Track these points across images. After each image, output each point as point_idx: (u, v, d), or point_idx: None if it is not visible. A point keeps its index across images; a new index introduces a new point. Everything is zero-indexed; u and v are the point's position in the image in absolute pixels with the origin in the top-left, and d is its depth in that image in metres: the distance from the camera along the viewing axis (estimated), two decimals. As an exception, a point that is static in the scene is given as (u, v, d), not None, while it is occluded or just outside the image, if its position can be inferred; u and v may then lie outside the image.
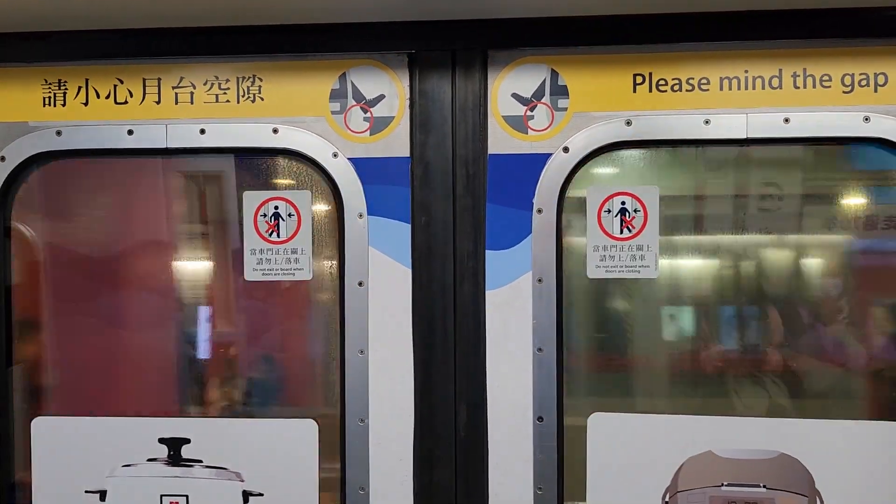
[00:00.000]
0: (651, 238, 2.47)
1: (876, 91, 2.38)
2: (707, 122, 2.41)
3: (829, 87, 2.39)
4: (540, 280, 2.45)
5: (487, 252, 2.47)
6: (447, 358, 2.49)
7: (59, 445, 2.61)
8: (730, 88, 2.41)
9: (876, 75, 2.37)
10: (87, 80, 2.54)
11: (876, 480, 2.41)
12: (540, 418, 2.46)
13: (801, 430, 2.46)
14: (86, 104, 2.55)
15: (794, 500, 2.43)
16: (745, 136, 2.40)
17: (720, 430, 2.47)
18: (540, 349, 2.45)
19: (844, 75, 2.38)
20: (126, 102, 2.54)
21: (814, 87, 2.39)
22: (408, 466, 2.50)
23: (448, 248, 2.47)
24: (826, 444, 2.43)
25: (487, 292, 2.47)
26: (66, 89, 2.55)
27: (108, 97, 2.54)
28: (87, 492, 2.60)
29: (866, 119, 2.37)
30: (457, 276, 2.48)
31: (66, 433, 2.61)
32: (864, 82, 2.38)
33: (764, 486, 2.45)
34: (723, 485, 2.46)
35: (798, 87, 2.39)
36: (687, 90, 2.42)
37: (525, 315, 2.46)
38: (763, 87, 2.40)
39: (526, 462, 2.47)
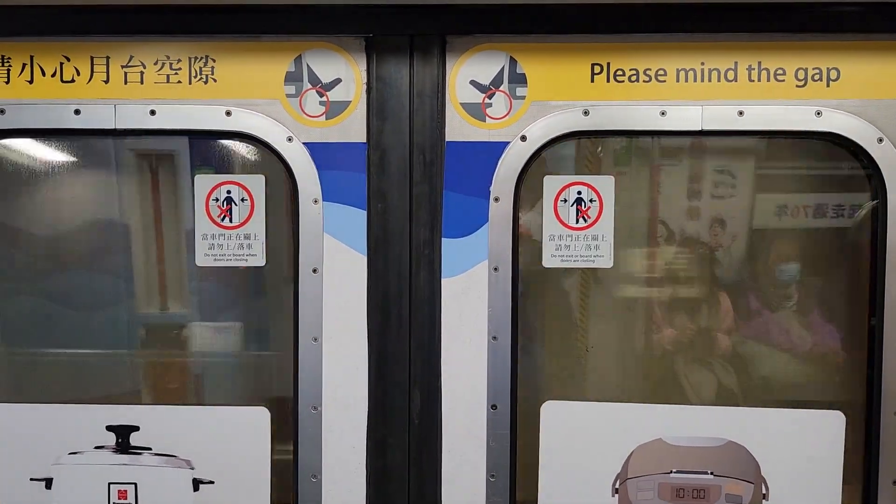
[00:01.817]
0: (606, 228, 2.48)
1: (828, 86, 2.41)
2: (663, 113, 2.42)
3: (783, 80, 2.41)
4: (496, 269, 2.45)
5: (444, 240, 2.45)
6: (402, 345, 2.48)
7: (2, 432, 2.54)
8: (686, 80, 2.42)
9: (828, 70, 2.40)
10: (31, 57, 2.45)
11: (818, 467, 2.48)
12: (494, 406, 2.47)
13: (748, 418, 2.51)
14: (31, 82, 2.46)
15: (740, 486, 2.49)
16: (699, 129, 2.42)
17: (670, 417, 2.51)
18: (495, 338, 2.46)
19: (798, 69, 2.41)
20: (73, 81, 2.45)
21: (768, 80, 2.41)
22: (361, 454, 2.49)
23: (404, 235, 2.46)
24: (771, 431, 2.49)
25: (443, 280, 2.46)
26: (9, 66, 2.46)
27: (53, 75, 2.45)
28: (32, 480, 2.54)
29: (818, 113, 2.40)
30: (412, 263, 2.46)
31: (10, 420, 2.55)
32: (816, 77, 2.41)
33: (711, 473, 2.49)
34: (671, 472, 2.50)
35: (753, 81, 2.42)
36: (644, 81, 2.43)
37: (480, 303, 2.46)
38: (719, 80, 2.42)
39: (479, 450, 2.48)
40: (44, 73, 2.46)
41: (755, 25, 2.39)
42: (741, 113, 2.40)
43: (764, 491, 2.48)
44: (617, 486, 2.50)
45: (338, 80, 2.44)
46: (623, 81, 2.43)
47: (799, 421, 2.51)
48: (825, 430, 2.48)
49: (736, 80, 2.41)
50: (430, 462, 2.49)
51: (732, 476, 2.49)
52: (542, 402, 2.51)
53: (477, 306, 2.46)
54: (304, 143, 2.44)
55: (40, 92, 2.46)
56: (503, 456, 2.48)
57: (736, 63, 2.41)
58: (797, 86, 2.41)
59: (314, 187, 2.44)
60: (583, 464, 2.50)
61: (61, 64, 2.45)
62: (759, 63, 2.41)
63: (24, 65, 2.45)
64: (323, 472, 2.49)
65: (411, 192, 2.45)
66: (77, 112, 2.45)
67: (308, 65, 2.44)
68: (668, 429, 2.50)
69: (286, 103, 2.44)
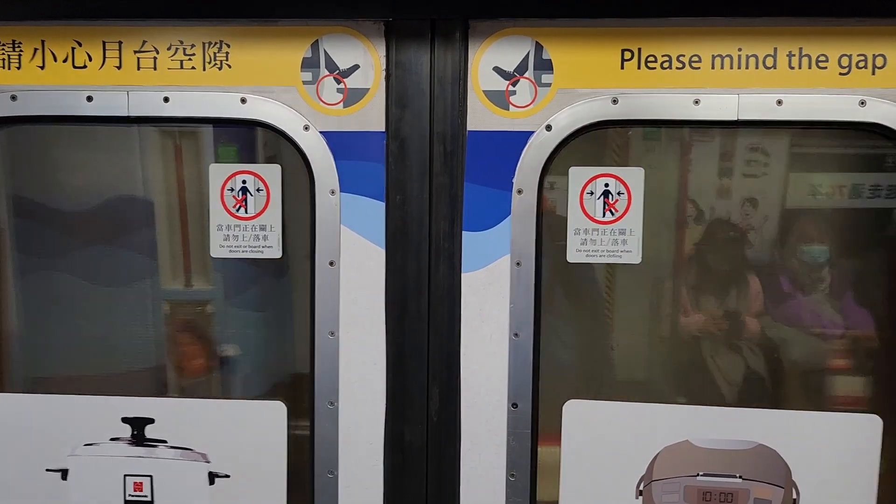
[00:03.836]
0: (634, 222, 2.38)
1: (874, 73, 2.27)
2: (697, 102, 2.30)
3: (826, 68, 2.28)
4: (518, 263, 2.36)
5: (464, 233, 2.37)
6: (420, 341, 2.41)
7: (18, 423, 2.53)
8: (721, 67, 2.29)
9: (874, 57, 2.26)
10: (43, 42, 2.39)
11: (852, 472, 2.38)
12: (514, 405, 2.40)
13: (779, 420, 2.41)
14: (42, 67, 2.40)
15: (770, 490, 2.40)
16: (735, 118, 2.30)
17: (698, 419, 2.42)
18: (516, 334, 2.38)
19: (841, 56, 2.27)
20: (85, 67, 2.39)
21: (809, 67, 2.28)
22: (378, 451, 2.44)
23: (423, 228, 2.38)
24: (804, 435, 2.39)
25: (463, 275, 2.38)
26: (21, 51, 2.40)
27: (65, 61, 2.39)
28: (48, 470, 2.53)
29: (862, 103, 2.26)
30: (432, 257, 2.38)
31: (26, 410, 2.53)
32: (861, 64, 2.27)
33: (740, 477, 2.41)
34: (698, 474, 2.42)
35: (793, 68, 2.28)
36: (677, 68, 2.31)
37: (502, 299, 2.38)
38: (756, 67, 2.29)
39: (499, 448, 2.42)
40: (55, 59, 2.39)
41: (796, 9, 2.25)
42: (780, 102, 2.28)
43: (794, 496, 2.39)
44: (641, 488, 2.43)
45: (356, 67, 2.35)
46: (655, 68, 2.31)
47: (833, 424, 2.41)
48: (861, 434, 2.38)
49: (775, 68, 2.28)
50: (449, 460, 2.44)
51: (762, 480, 2.40)
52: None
53: (498, 302, 2.38)
54: (320, 132, 2.36)
55: (52, 78, 2.40)
56: (523, 455, 2.41)
57: (775, 49, 2.28)
58: (840, 73, 2.27)
59: (331, 178, 2.37)
60: (606, 465, 2.43)
61: (73, 49, 2.39)
62: (800, 49, 2.27)
63: (35, 49, 2.39)
64: (339, 469, 2.45)
65: (431, 183, 2.36)
66: (90, 99, 2.39)
67: (325, 50, 2.35)
68: (695, 430, 2.41)
69: (303, 90, 2.36)
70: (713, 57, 2.29)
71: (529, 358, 2.39)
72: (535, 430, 2.41)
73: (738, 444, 2.40)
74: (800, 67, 2.28)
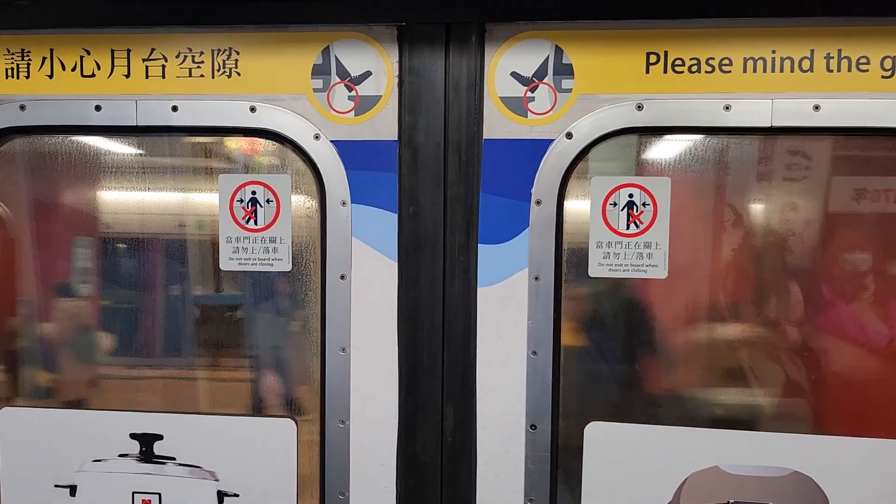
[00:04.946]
0: (661, 235, 2.25)
1: (919, 76, 2.12)
2: (727, 107, 2.17)
3: (867, 70, 2.13)
4: (537, 278, 2.26)
5: (480, 246, 2.27)
6: (435, 358, 2.31)
7: (27, 438, 2.49)
8: (754, 70, 2.16)
9: (920, 58, 2.12)
10: (51, 51, 2.35)
11: (894, 502, 2.23)
12: (533, 426, 2.29)
13: (816, 446, 2.26)
14: (50, 76, 2.36)
15: (805, 521, 2.26)
16: (769, 125, 2.16)
17: (728, 444, 2.28)
18: (535, 352, 2.27)
19: (884, 58, 2.12)
20: (93, 75, 2.34)
21: (849, 70, 2.14)
22: (391, 472, 2.35)
23: (438, 240, 2.28)
24: (842, 462, 2.24)
25: (479, 289, 2.28)
26: (29, 60, 2.36)
27: (74, 69, 2.35)
28: (56, 486, 2.49)
29: None
30: (447, 271, 2.29)
31: (35, 425, 2.49)
32: (906, 66, 2.12)
33: (773, 506, 2.27)
34: (729, 502, 2.28)
35: (831, 71, 2.14)
36: (706, 71, 2.18)
37: (520, 315, 2.27)
38: (791, 70, 2.15)
39: (516, 471, 2.31)
40: (64, 68, 2.35)
41: (835, 8, 2.11)
42: (817, 107, 2.14)
43: (832, 528, 2.25)
44: (667, 516, 2.30)
45: (368, 73, 2.26)
46: (682, 72, 2.18)
47: (874, 450, 2.25)
48: None
49: (812, 71, 2.14)
50: (464, 483, 2.33)
51: (797, 510, 2.26)
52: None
53: (515, 318, 2.27)
54: (331, 141, 2.28)
55: (60, 87, 2.36)
56: (542, 479, 2.30)
57: (812, 51, 2.14)
58: (883, 76, 2.13)
59: (342, 188, 2.28)
60: (630, 491, 2.30)
61: (81, 58, 2.34)
62: (839, 51, 2.13)
63: (43, 58, 2.35)
64: (351, 489, 2.36)
65: (446, 193, 2.27)
66: (98, 108, 2.34)
67: (336, 57, 2.27)
68: (725, 456, 2.28)
69: (313, 98, 2.28)
70: (745, 60, 2.16)
71: (549, 377, 2.27)
72: (554, 452, 2.30)
73: (772, 470, 2.26)
74: (839, 70, 2.14)
